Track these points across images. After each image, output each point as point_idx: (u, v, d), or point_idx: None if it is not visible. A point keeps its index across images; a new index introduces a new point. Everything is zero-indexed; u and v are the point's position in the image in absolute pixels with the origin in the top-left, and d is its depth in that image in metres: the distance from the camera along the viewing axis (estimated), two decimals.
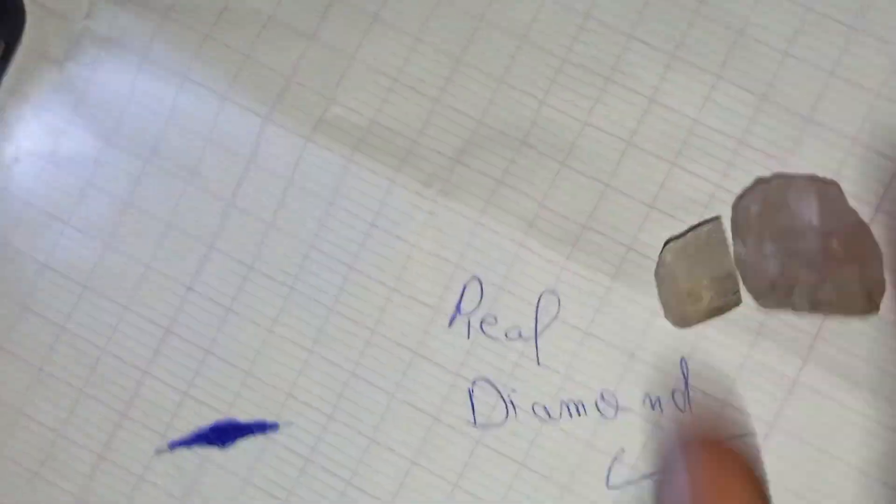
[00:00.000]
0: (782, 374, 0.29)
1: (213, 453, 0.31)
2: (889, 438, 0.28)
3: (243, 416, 0.31)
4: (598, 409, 0.30)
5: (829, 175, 0.29)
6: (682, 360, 0.29)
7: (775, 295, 0.28)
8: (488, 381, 0.30)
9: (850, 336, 0.29)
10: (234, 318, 0.31)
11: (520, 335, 0.30)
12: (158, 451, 0.31)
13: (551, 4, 0.30)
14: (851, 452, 0.29)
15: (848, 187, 0.29)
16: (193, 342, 0.31)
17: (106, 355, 0.31)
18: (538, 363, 0.30)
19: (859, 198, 0.29)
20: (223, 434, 0.31)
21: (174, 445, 0.31)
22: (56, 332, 0.31)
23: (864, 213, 0.29)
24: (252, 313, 0.31)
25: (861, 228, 0.28)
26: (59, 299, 0.31)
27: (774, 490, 0.21)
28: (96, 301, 0.31)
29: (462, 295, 0.30)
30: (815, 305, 0.28)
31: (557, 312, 0.30)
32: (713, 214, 0.29)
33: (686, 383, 0.29)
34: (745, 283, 0.28)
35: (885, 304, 0.28)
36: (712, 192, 0.30)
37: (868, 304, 0.28)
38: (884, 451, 0.28)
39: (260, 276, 0.31)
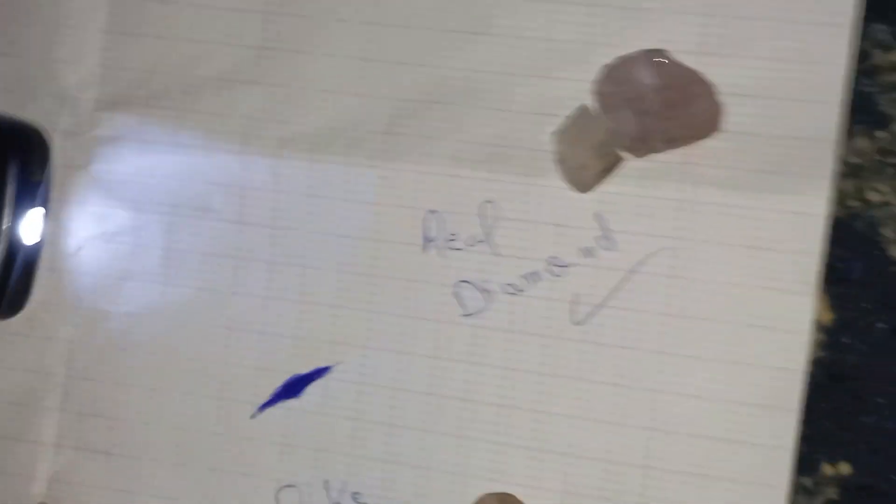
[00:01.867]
0: (671, 198, 0.40)
1: (291, 403, 0.43)
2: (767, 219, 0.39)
3: (303, 368, 0.43)
4: (550, 272, 0.41)
5: (655, 45, 0.40)
6: (596, 214, 0.41)
7: (641, 146, 0.39)
8: (465, 280, 0.42)
9: (706, 154, 0.40)
10: (270, 302, 0.43)
11: (477, 241, 0.42)
12: (253, 417, 0.43)
13: None
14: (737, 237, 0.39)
15: (673, 47, 0.39)
16: (248, 328, 0.43)
17: (198, 362, 0.44)
18: (496, 255, 0.42)
19: (685, 52, 0.39)
20: (294, 387, 0.43)
21: (263, 407, 0.43)
22: (160, 353, 0.43)
23: (689, 61, 0.39)
24: (282, 294, 0.43)
25: (690, 74, 0.39)
26: (145, 332, 0.44)
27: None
28: (168, 321, 0.43)
29: (425, 227, 0.42)
30: (672, 142, 0.39)
31: (497, 214, 0.42)
32: (581, 104, 0.41)
33: (606, 230, 0.41)
34: (616, 145, 0.40)
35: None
36: (577, 87, 0.41)
37: (711, 126, 0.39)
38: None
39: (278, 266, 0.43)
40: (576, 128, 0.39)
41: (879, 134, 0.38)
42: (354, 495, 0.41)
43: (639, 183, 0.39)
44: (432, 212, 0.41)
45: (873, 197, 0.38)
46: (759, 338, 0.39)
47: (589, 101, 0.39)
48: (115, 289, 0.43)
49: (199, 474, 0.42)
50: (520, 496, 0.40)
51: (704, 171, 0.39)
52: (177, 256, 0.43)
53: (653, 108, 0.37)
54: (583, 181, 0.39)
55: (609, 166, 0.38)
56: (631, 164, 0.39)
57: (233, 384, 0.43)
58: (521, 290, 0.40)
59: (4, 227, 0.42)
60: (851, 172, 0.39)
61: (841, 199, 0.39)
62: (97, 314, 0.43)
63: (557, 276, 0.40)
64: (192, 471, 0.43)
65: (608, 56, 0.39)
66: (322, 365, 0.42)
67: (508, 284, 0.40)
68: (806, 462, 0.39)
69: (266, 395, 0.42)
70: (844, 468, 0.39)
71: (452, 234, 0.40)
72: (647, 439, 0.40)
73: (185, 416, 0.43)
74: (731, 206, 0.39)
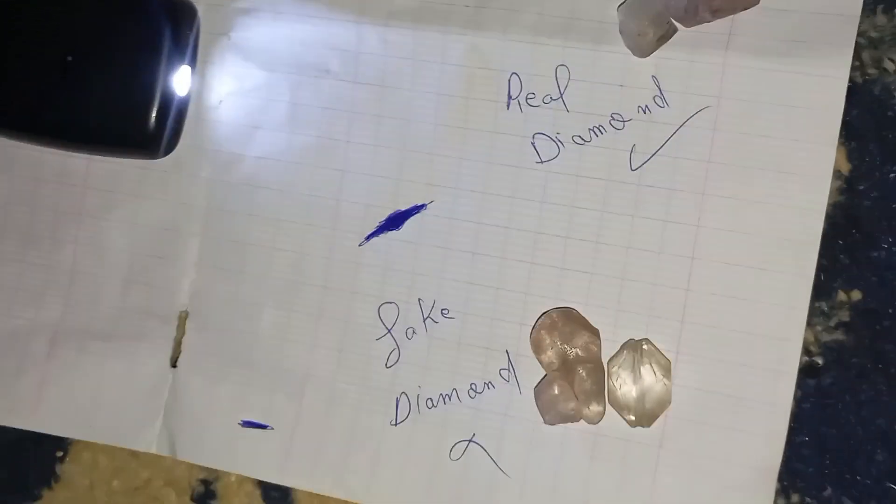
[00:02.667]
0: (716, 63, 0.49)
1: (393, 234, 0.53)
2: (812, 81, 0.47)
3: (404, 205, 0.53)
4: (612, 126, 0.50)
5: None
6: (653, 76, 0.50)
7: (691, 17, 0.48)
8: (541, 133, 0.51)
9: (746, 25, 0.48)
10: (377, 149, 0.52)
11: (551, 98, 0.51)
12: (360, 245, 0.53)
13: None
14: (770, 96, 0.48)
15: None
16: (358, 171, 0.52)
17: (316, 199, 0.53)
18: (567, 111, 0.51)
19: None
20: (396, 220, 0.53)
21: (369, 237, 0.53)
22: (284, 191, 0.53)
23: None
24: (387, 142, 0.52)
25: None
26: (272, 172, 0.54)
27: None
28: (291, 164, 0.53)
29: (509, 87, 0.51)
30: (716, 12, 0.48)
31: (569, 76, 0.51)
32: None
33: (661, 90, 0.50)
34: (671, 16, 0.49)
35: None
36: None
37: (751, 0, 0.48)
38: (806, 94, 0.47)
39: (385, 119, 0.53)
40: (637, 2, 0.47)
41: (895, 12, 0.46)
42: (443, 311, 0.50)
43: (689, 50, 0.47)
44: (514, 74, 0.49)
45: (889, 66, 0.46)
46: (787, 182, 0.47)
47: None
48: (248, 136, 0.52)
49: (313, 290, 0.51)
50: (580, 311, 0.48)
51: (744, 41, 0.47)
52: (300, 110, 0.52)
53: None
54: (641, 47, 0.47)
55: (664, 35, 0.47)
56: (682, 33, 0.47)
57: (344, 217, 0.51)
58: (588, 141, 0.49)
59: (161, 80, 0.51)
60: (871, 44, 0.46)
61: (861, 67, 0.46)
62: (233, 157, 0.53)
63: (618, 129, 0.48)
64: (308, 287, 0.52)
65: None
66: (419, 203, 0.51)
67: (577, 136, 0.49)
68: (823, 289, 0.47)
69: (372, 227, 0.51)
70: (856, 295, 0.47)
71: (531, 93, 0.49)
72: (689, 266, 0.48)
73: (303, 243, 0.51)
74: (766, 70, 0.47)
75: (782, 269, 0.47)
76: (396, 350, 0.49)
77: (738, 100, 0.47)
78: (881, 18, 0.45)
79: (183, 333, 0.52)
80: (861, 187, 0.46)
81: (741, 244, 0.47)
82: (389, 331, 0.49)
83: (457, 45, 0.49)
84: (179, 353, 0.51)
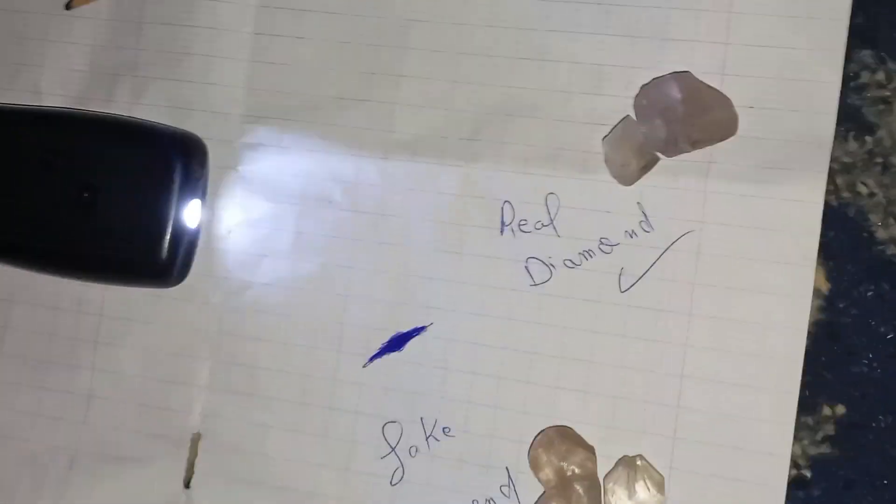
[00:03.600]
0: (698, 189, 0.52)
1: (394, 355, 0.55)
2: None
3: (405, 328, 0.55)
4: (601, 250, 0.53)
5: (682, 69, 0.52)
6: (638, 203, 0.53)
7: (671, 148, 0.51)
8: (533, 257, 0.54)
9: (725, 154, 0.51)
10: (377, 275, 0.55)
11: (543, 224, 0.54)
12: (364, 366, 0.56)
13: None
14: (750, 220, 0.51)
15: (696, 69, 0.51)
16: (360, 295, 0.55)
17: (321, 323, 0.55)
18: (558, 236, 0.53)
19: (705, 73, 0.51)
20: (397, 342, 0.55)
21: (372, 359, 0.56)
22: (290, 316, 0.56)
23: (709, 80, 0.50)
24: (386, 268, 0.54)
25: (710, 89, 0.51)
26: (278, 298, 0.57)
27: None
28: (297, 290, 0.56)
29: (502, 214, 0.54)
30: (695, 144, 0.51)
31: (559, 203, 0.54)
32: (624, 115, 0.53)
33: (646, 216, 0.53)
34: (652, 146, 0.52)
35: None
36: (622, 103, 0.53)
37: (729, 131, 0.51)
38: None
39: (384, 246, 0.55)
40: (620, 134, 0.50)
41: (867, 138, 0.49)
42: (444, 429, 0.52)
43: (671, 177, 0.50)
44: (507, 201, 0.52)
45: (862, 190, 0.49)
46: (769, 302, 0.49)
47: (630, 112, 0.51)
48: (255, 264, 0.55)
49: (319, 411, 0.54)
50: (575, 429, 0.50)
51: (723, 168, 0.50)
52: (305, 239, 0.55)
53: (679, 118, 0.49)
54: (626, 177, 0.50)
55: (647, 164, 0.50)
56: (664, 162, 0.50)
57: (347, 340, 0.54)
58: (578, 265, 0.51)
59: (173, 213, 0.54)
60: (844, 169, 0.49)
61: (836, 190, 0.49)
62: (242, 284, 0.55)
63: (607, 253, 0.51)
64: (314, 409, 0.54)
65: (645, 77, 0.50)
66: (419, 325, 0.53)
67: (568, 260, 0.51)
68: (808, 404, 0.49)
69: (374, 349, 0.54)
70: (840, 409, 0.49)
71: (523, 220, 0.52)
72: (679, 385, 0.50)
73: (309, 366, 0.54)
74: (745, 196, 0.49)
75: (768, 385, 0.49)
76: (401, 468, 0.51)
77: (720, 223, 0.49)
78: (852, 144, 0.48)
79: (195, 455, 0.53)
80: (841, 305, 0.48)
81: (728, 362, 0.49)
82: (393, 449, 0.52)
83: (451, 175, 0.52)
84: (192, 473, 0.53)
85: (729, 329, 0.49)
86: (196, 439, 0.54)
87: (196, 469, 0.54)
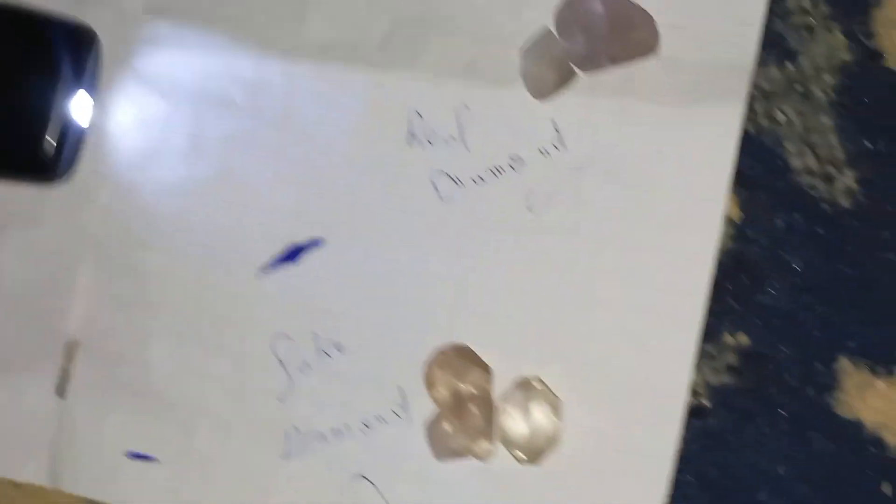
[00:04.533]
0: (613, 109, 0.50)
1: (289, 268, 0.52)
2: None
3: (302, 239, 0.52)
4: (511, 167, 0.51)
5: None
6: (552, 120, 0.50)
7: (590, 63, 0.49)
8: (441, 172, 0.51)
9: (643, 74, 0.49)
10: (277, 183, 0.52)
11: (452, 138, 0.51)
12: (257, 277, 0.53)
13: None
14: (664, 143, 0.49)
15: None
16: (256, 204, 0.52)
17: (214, 230, 0.53)
18: (468, 151, 0.51)
19: None
20: (293, 254, 0.52)
21: (266, 270, 0.52)
22: (180, 222, 0.53)
23: None
24: (287, 176, 0.52)
25: (632, 6, 0.49)
26: (169, 203, 0.53)
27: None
28: (189, 195, 0.53)
29: (411, 125, 0.52)
30: (616, 60, 0.49)
31: (470, 116, 0.51)
32: (544, 28, 0.50)
33: (559, 134, 0.50)
34: (571, 61, 0.50)
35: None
36: (540, 15, 0.50)
37: (649, 49, 0.49)
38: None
39: (285, 153, 0.53)
40: (538, 47, 0.48)
41: (788, 65, 0.48)
42: (337, 346, 0.50)
43: (587, 95, 0.48)
44: (417, 113, 0.50)
45: (780, 117, 0.48)
46: (680, 228, 0.47)
47: (551, 25, 0.48)
48: (147, 166, 0.52)
49: (207, 322, 0.51)
50: (473, 348, 0.48)
51: (641, 89, 0.48)
52: (201, 141, 0.52)
53: (602, 34, 0.47)
54: (541, 90, 0.48)
55: (564, 80, 0.48)
56: (581, 80, 0.48)
57: (241, 250, 0.51)
58: (487, 182, 0.49)
59: (58, 104, 0.51)
60: (763, 96, 0.48)
61: (754, 118, 0.48)
62: (131, 185, 0.52)
63: (517, 171, 0.49)
64: (202, 319, 0.51)
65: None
66: (317, 237, 0.50)
67: (477, 176, 0.49)
68: (712, 333, 0.47)
69: (269, 260, 0.51)
70: (743, 339, 0.47)
71: (433, 132, 0.50)
72: (582, 308, 0.48)
73: (200, 274, 0.51)
74: (661, 119, 0.48)
75: (672, 313, 0.48)
76: (289, 384, 0.48)
77: (634, 146, 0.48)
78: (773, 71, 0.46)
79: (71, 362, 0.50)
80: (751, 234, 0.47)
81: (634, 288, 0.48)
82: (283, 364, 0.49)
83: (361, 81, 0.50)
84: (68, 382, 0.50)
85: (637, 254, 0.48)
86: (73, 346, 0.51)
87: (72, 378, 0.50)
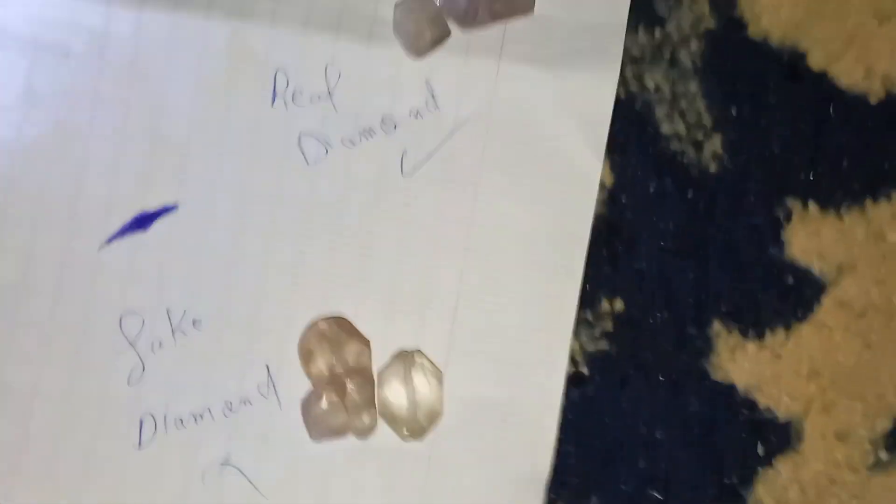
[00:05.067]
0: (489, 68, 0.48)
1: (138, 237, 0.47)
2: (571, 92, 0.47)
3: (152, 205, 0.48)
4: (383, 129, 0.48)
5: None
6: (426, 80, 0.48)
7: (469, 18, 0.47)
8: (308, 133, 0.48)
9: (520, 34, 0.48)
10: (124, 141, 0.47)
11: (319, 98, 0.48)
12: (100, 248, 0.47)
13: None
14: (540, 105, 0.47)
15: None
16: (99, 165, 0.47)
17: (49, 194, 0.47)
18: (336, 111, 0.48)
19: None
20: (142, 221, 0.47)
21: (111, 240, 0.47)
22: (11, 185, 0.47)
23: None
24: (134, 134, 0.47)
25: None
26: (0, 162, 0.47)
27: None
28: (23, 156, 0.47)
29: (275, 82, 0.48)
30: (495, 16, 0.47)
31: (339, 75, 0.48)
32: None
33: (433, 94, 0.48)
34: (449, 17, 0.47)
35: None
36: None
37: (527, 6, 0.47)
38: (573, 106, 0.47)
39: (133, 109, 0.47)
40: (414, 1, 0.46)
41: (656, 32, 0.47)
42: (194, 321, 0.45)
43: (463, 54, 0.46)
44: (281, 69, 0.46)
45: (649, 83, 0.47)
46: (557, 190, 0.47)
47: None
48: None
49: (42, 299, 0.45)
50: (348, 318, 0.45)
51: (517, 48, 0.47)
52: (34, 94, 0.46)
53: None
54: (417, 47, 0.45)
55: (440, 37, 0.46)
56: (457, 38, 0.46)
57: (82, 217, 0.46)
58: (357, 144, 0.46)
59: None
60: (633, 62, 0.47)
61: (624, 83, 0.47)
62: None
63: (389, 132, 0.46)
64: (36, 295, 0.45)
65: None
66: (169, 203, 0.46)
67: (346, 138, 0.46)
68: (588, 299, 0.46)
69: (114, 228, 0.46)
70: (618, 305, 0.47)
71: (298, 91, 0.46)
72: (459, 275, 0.46)
73: (32, 244, 0.45)
74: (536, 80, 0.46)
75: (550, 277, 0.47)
76: (140, 365, 0.44)
77: (510, 106, 0.47)
78: (642, 37, 0.46)
79: None
80: (623, 199, 0.46)
81: (511, 254, 0.47)
82: (132, 344, 0.44)
83: (219, 33, 0.46)
84: None
85: (512, 220, 0.47)
86: None
87: None
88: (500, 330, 0.45)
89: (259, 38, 0.46)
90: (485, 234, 0.46)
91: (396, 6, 0.45)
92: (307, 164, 0.45)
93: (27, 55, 0.45)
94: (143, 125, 0.46)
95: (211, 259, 0.45)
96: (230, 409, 0.44)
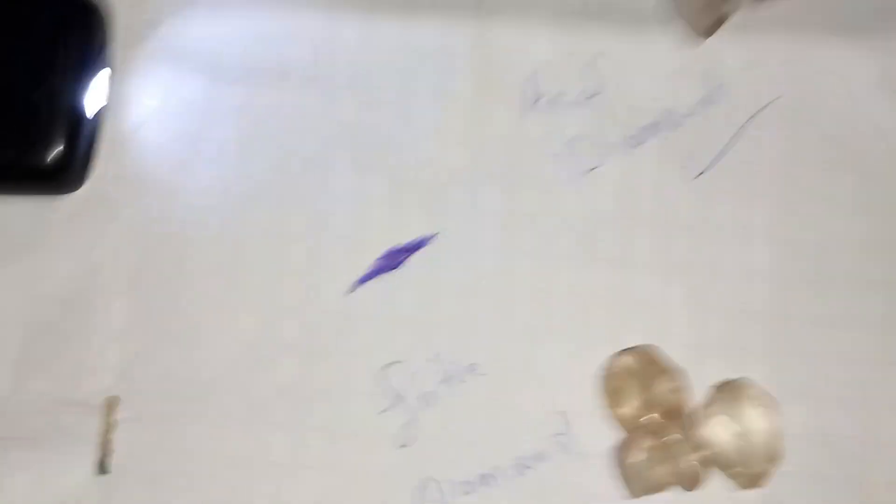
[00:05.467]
0: (790, 46, 0.40)
1: (389, 277, 0.40)
2: None
3: (402, 240, 0.40)
4: (666, 125, 0.40)
5: None
6: (711, 65, 0.40)
7: None
8: (579, 138, 0.40)
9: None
10: (361, 172, 0.40)
11: (588, 96, 0.40)
12: (348, 293, 0.40)
13: None
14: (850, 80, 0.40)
15: None
16: (337, 202, 0.41)
17: (282, 240, 0.40)
18: (611, 110, 0.40)
19: None
20: (392, 258, 0.40)
21: (361, 282, 0.40)
22: (234, 237, 0.40)
23: None
24: (373, 162, 0.41)
25: None
26: (217, 214, 0.40)
27: None
28: (243, 202, 0.40)
29: (534, 84, 0.40)
30: None
31: (610, 67, 0.40)
32: None
33: (722, 81, 0.40)
34: None
35: None
36: None
37: None
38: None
39: (366, 134, 0.40)
40: None
41: None
42: (470, 367, 0.38)
43: (755, 32, 0.39)
44: (537, 71, 0.39)
45: None
46: (886, 186, 0.40)
47: None
48: (184, 164, 0.40)
49: (286, 359, 0.39)
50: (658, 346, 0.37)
51: (818, 18, 0.39)
52: (254, 128, 0.39)
53: None
54: (703, 27, 0.38)
55: (726, 12, 0.38)
56: (745, 13, 0.39)
57: (323, 261, 0.40)
58: (639, 144, 0.39)
59: (62, 102, 0.37)
60: None
61: None
62: (165, 191, 0.39)
63: (674, 129, 0.39)
64: (279, 355, 0.39)
65: None
66: (422, 235, 0.39)
67: (626, 139, 0.39)
68: None
69: (362, 269, 0.38)
70: None
71: (562, 91, 0.39)
72: (776, 284, 0.38)
73: (269, 298, 0.38)
74: (849, 53, 0.39)
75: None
76: (412, 423, 0.36)
77: (819, 88, 0.41)
78: None
79: (112, 427, 0.35)
80: None
81: (838, 270, 0.40)
82: (400, 399, 0.36)
83: (461, 36, 0.38)
84: (110, 454, 0.35)
85: (833, 229, 0.40)
86: (111, 405, 0.36)
87: (115, 447, 0.36)
88: (843, 348, 0.36)
89: (508, 37, 0.39)
90: (800, 249, 0.39)
91: None
92: (583, 172, 0.38)
93: (239, 84, 0.39)
94: (378, 152, 0.39)
95: (479, 293, 0.39)
96: (525, 467, 0.36)
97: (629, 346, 0.37)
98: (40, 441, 0.37)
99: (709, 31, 0.38)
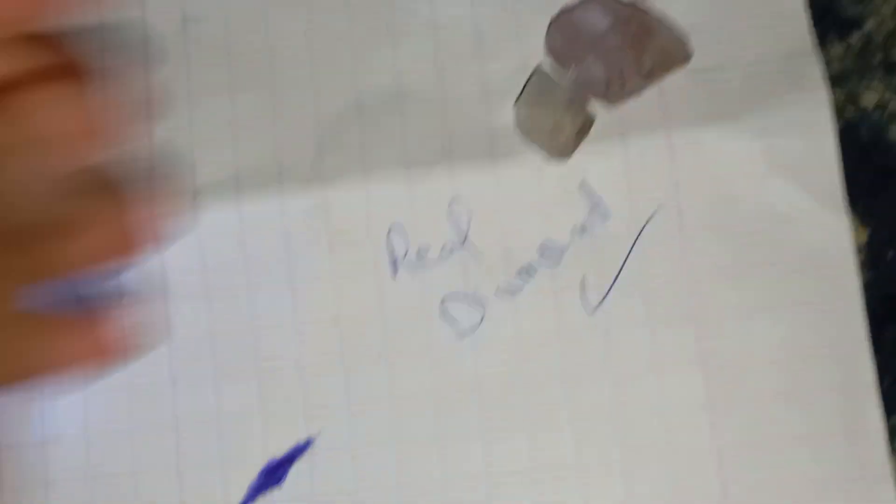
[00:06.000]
0: (662, 143, 0.35)
1: (275, 495, 0.34)
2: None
3: (277, 451, 0.35)
4: (545, 261, 0.35)
5: None
6: (582, 183, 0.35)
7: (613, 89, 0.34)
8: (451, 296, 0.35)
9: (682, 91, 0.35)
10: (223, 384, 0.35)
11: (452, 248, 0.35)
12: None
13: None
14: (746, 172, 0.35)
15: None
16: (201, 419, 0.35)
17: (134, 473, 0.35)
18: (479, 258, 0.35)
19: None
20: (272, 474, 0.35)
21: None
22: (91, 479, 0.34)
23: None
24: (234, 371, 0.36)
25: (638, 9, 0.35)
26: (70, 454, 0.35)
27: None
28: (97, 436, 0.35)
29: (390, 245, 0.35)
30: (648, 76, 0.34)
31: (469, 211, 0.35)
32: (534, 67, 0.36)
33: (599, 198, 0.35)
34: (588, 97, 0.35)
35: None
36: (527, 53, 0.36)
37: (683, 54, 0.35)
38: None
39: (223, 337, 0.35)
40: (538, 91, 0.34)
41: (853, 37, 0.35)
42: None
43: (620, 138, 0.34)
44: (391, 228, 0.34)
45: (867, 101, 0.34)
46: (800, 272, 0.35)
47: (543, 61, 0.34)
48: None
49: None
50: None
51: (685, 110, 0.34)
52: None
53: (618, 44, 0.32)
54: (560, 146, 0.33)
55: (585, 124, 0.34)
56: (605, 119, 0.34)
57: (195, 490, 0.34)
58: (516, 292, 0.33)
59: None
60: (836, 82, 0.35)
61: (836, 112, 0.34)
62: None
63: (555, 265, 0.34)
64: None
65: (547, 14, 0.34)
66: (300, 440, 0.33)
67: (502, 289, 0.34)
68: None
69: (241, 491, 0.33)
70: None
71: (423, 247, 0.34)
72: (709, 416, 0.33)
73: None
74: (725, 142, 0.34)
75: (838, 406, 0.36)
76: None
77: (703, 184, 0.36)
78: (837, 49, 0.35)
79: None
80: (890, 255, 0.36)
81: (770, 385, 0.35)
82: None
83: (300, 210, 0.33)
84: None
85: (760, 334, 0.36)
86: None
87: None
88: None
89: (351, 198, 0.33)
90: (728, 365, 0.34)
91: (516, 104, 0.33)
92: (461, 335, 0.32)
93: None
94: (241, 354, 0.34)
95: (376, 492, 0.32)
96: None
97: None
98: None
99: (566, 150, 0.33)
